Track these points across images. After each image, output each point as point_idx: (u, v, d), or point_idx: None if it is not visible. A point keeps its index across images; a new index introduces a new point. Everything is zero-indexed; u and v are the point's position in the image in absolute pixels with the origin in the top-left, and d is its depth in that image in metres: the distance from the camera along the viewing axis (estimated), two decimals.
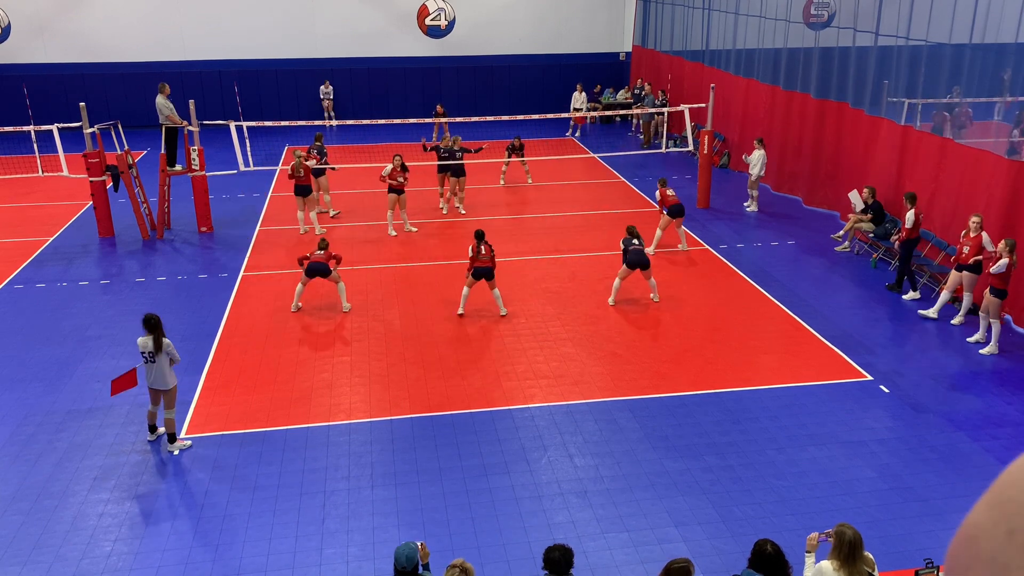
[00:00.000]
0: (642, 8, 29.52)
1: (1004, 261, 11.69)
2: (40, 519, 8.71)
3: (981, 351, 12.30)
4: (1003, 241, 11.94)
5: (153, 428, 10.14)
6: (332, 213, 19.11)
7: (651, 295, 14.17)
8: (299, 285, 13.87)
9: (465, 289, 13.50)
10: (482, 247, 13.24)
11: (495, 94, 30.49)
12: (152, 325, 9.70)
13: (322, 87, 29.31)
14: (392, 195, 17.57)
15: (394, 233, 17.81)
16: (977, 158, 13.79)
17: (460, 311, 13.55)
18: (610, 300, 14.04)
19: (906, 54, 15.88)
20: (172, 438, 9.97)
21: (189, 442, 10.05)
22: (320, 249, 13.80)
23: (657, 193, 17.01)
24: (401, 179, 17.42)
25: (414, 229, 18.10)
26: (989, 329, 12.25)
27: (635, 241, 13.87)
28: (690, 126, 21.35)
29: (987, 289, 12.07)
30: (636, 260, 13.72)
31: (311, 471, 9.45)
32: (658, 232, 16.52)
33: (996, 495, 0.87)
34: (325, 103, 29.24)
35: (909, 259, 14.18)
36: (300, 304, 13.89)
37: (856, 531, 5.95)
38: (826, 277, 15.33)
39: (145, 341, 9.68)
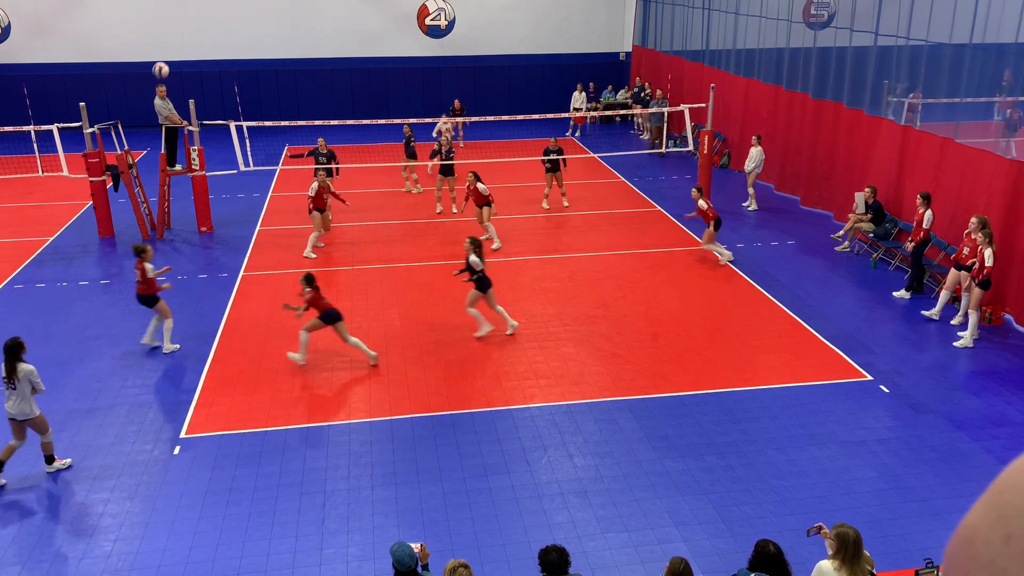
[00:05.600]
0: (642, 8, 29.52)
1: (989, 252, 11.94)
2: (40, 519, 8.72)
3: (956, 343, 12.36)
4: (980, 233, 12.08)
5: (50, 459, 9.50)
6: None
7: (507, 329, 12.91)
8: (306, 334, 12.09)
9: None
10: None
11: (495, 94, 30.48)
12: (6, 349, 9.13)
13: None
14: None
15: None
16: (977, 158, 13.79)
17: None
18: (479, 333, 12.74)
19: (906, 54, 15.89)
20: (50, 460, 9.48)
21: (69, 460, 9.64)
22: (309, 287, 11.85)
23: (704, 202, 15.72)
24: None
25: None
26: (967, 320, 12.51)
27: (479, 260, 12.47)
28: (690, 126, 21.34)
29: (972, 280, 12.31)
30: (489, 281, 12.57)
31: (311, 471, 9.45)
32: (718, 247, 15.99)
33: (993, 498, 0.87)
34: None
35: (921, 259, 14.15)
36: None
37: (856, 531, 5.97)
38: (826, 277, 15.33)
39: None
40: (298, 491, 9.09)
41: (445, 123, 22.12)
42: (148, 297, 12.27)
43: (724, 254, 15.89)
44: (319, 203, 16.60)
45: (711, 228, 15.73)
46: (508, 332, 12.87)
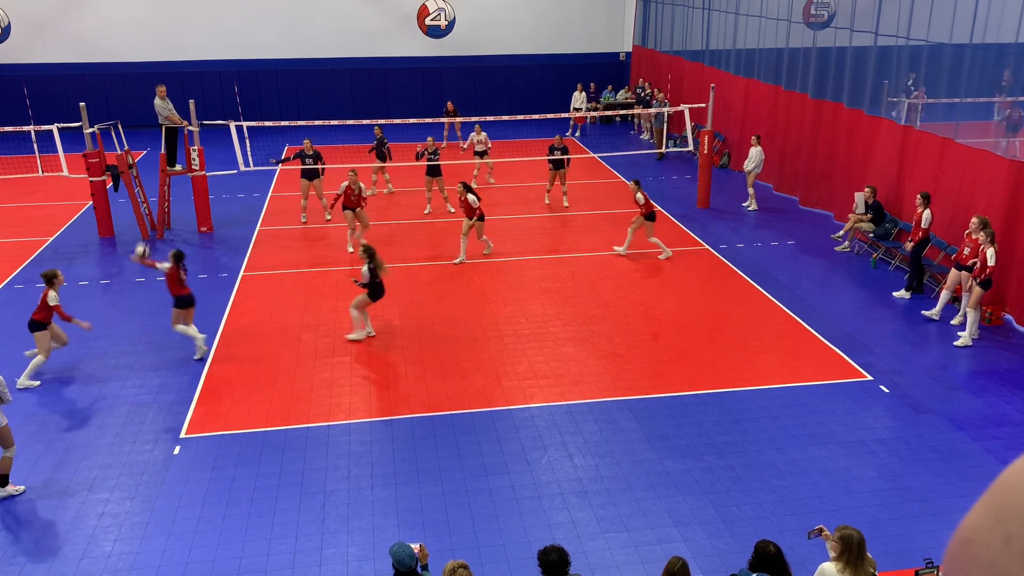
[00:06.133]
0: (642, 8, 29.52)
1: (991, 252, 11.96)
2: (40, 519, 8.71)
3: (956, 343, 12.37)
4: (982, 233, 12.10)
5: (3, 479, 8.97)
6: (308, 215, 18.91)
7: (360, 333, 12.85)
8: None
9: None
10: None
11: (495, 94, 30.48)
12: None
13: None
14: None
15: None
16: (977, 158, 13.79)
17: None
18: (356, 336, 12.73)
19: (906, 54, 15.89)
20: (4, 480, 8.98)
21: (23, 487, 9.14)
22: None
23: (641, 195, 16.00)
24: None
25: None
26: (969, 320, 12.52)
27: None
28: (690, 126, 21.34)
29: (973, 280, 12.32)
30: (382, 292, 12.70)
31: (311, 471, 9.45)
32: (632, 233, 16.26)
33: (993, 499, 0.87)
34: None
35: (920, 259, 14.16)
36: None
37: (860, 533, 5.96)
38: (826, 277, 15.33)
39: None
40: (298, 491, 9.09)
41: (477, 136, 22.00)
42: (38, 323, 11.45)
43: (664, 250, 16.13)
44: (349, 202, 16.55)
45: (643, 219, 15.96)
46: (363, 336, 12.73)
